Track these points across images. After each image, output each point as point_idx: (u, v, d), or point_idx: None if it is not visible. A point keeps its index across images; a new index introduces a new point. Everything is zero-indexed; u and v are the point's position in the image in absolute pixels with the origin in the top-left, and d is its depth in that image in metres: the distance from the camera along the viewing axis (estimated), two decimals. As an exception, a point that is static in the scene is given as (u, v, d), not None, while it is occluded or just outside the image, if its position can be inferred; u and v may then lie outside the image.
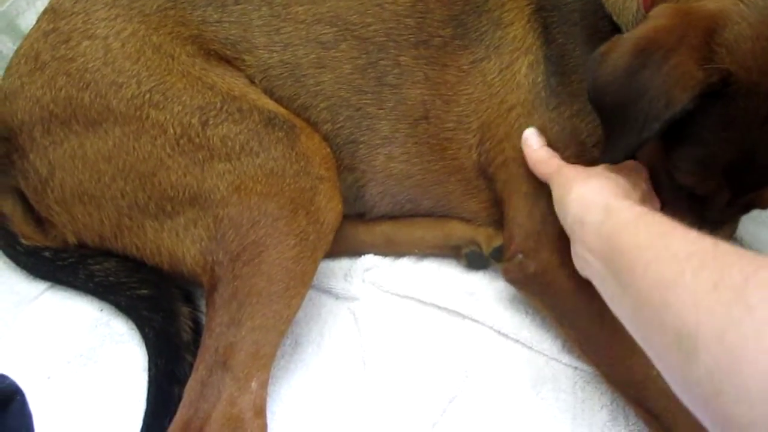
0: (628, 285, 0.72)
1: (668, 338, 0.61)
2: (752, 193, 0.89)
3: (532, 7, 1.07)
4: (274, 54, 1.09)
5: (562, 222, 0.93)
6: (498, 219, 1.14)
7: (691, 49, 0.80)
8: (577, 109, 1.03)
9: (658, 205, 0.94)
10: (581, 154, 1.02)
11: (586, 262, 0.85)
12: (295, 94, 1.10)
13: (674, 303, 0.61)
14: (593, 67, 0.88)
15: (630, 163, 0.95)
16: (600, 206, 0.84)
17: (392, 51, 1.09)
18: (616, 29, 1.00)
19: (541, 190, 1.02)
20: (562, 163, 0.98)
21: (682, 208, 0.92)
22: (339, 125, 1.11)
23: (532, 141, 1.03)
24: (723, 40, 0.80)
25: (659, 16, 0.86)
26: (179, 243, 1.01)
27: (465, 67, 1.09)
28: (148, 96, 1.00)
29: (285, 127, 1.03)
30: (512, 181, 1.07)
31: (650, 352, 0.68)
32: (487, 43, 1.08)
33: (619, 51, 0.85)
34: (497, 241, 1.15)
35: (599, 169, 0.93)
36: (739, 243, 1.20)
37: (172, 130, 1.00)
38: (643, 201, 0.91)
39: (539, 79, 1.05)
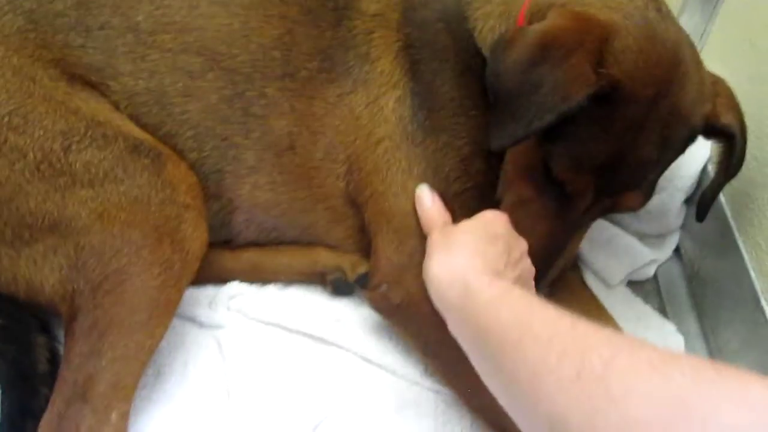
0: (497, 364, 0.75)
1: (540, 420, 0.65)
2: (614, 196, 0.96)
3: (400, 44, 1.11)
4: (140, 81, 1.08)
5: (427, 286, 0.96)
6: (364, 246, 1.17)
7: (588, 53, 0.88)
8: (442, 143, 1.07)
9: (525, 246, 0.99)
10: (444, 189, 1.06)
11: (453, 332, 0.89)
12: (161, 122, 1.09)
13: (543, 389, 0.65)
14: (497, 54, 0.94)
15: (488, 213, 0.99)
16: (459, 285, 0.87)
17: (258, 82, 1.11)
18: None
19: (411, 226, 1.06)
20: (439, 227, 1.01)
21: (549, 205, 0.98)
22: (205, 154, 1.12)
23: (424, 199, 1.05)
24: (613, 49, 0.89)
25: (560, 16, 0.94)
26: (37, 271, 0.98)
27: (332, 99, 1.12)
28: (6, 119, 0.98)
29: (151, 154, 1.03)
30: (381, 214, 1.10)
31: (522, 426, 0.71)
32: (355, 76, 1.11)
33: (523, 42, 0.91)
34: (362, 268, 1.18)
35: (461, 234, 0.96)
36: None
37: (32, 155, 0.97)
38: (510, 256, 0.95)
39: (406, 114, 1.09)
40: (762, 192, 1.17)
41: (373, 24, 1.13)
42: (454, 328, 0.89)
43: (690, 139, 0.98)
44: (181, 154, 1.10)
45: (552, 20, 0.94)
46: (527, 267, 0.98)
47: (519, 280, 0.94)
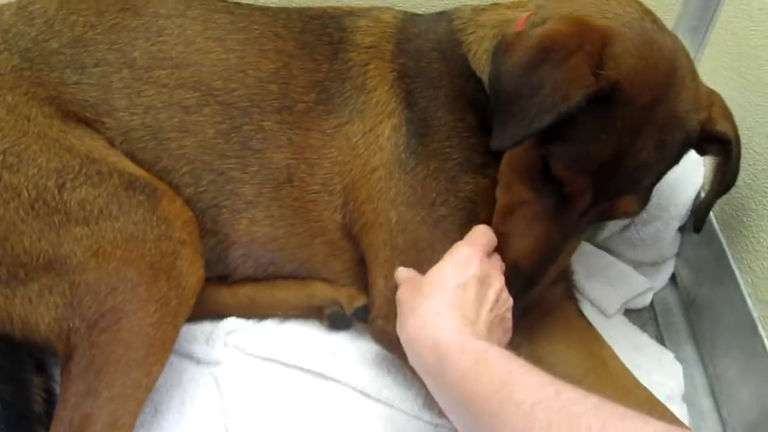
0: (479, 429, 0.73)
1: None
2: (611, 200, 0.97)
3: (395, 74, 1.13)
4: (135, 117, 1.09)
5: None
6: (362, 279, 1.17)
7: (587, 55, 0.89)
8: (433, 168, 1.08)
9: (501, 281, 0.96)
10: (428, 215, 1.07)
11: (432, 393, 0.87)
12: (156, 158, 1.10)
13: None
14: (498, 56, 0.94)
15: (460, 251, 0.96)
16: (431, 349, 0.82)
17: (256, 116, 1.12)
18: (482, 88, 1.09)
19: (400, 256, 1.06)
20: (405, 280, 0.98)
21: (546, 206, 0.98)
22: (202, 189, 1.12)
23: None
24: (612, 53, 0.90)
25: (560, 21, 0.96)
26: (32, 310, 0.98)
27: (329, 131, 1.13)
28: (1, 158, 0.98)
29: (146, 190, 1.03)
30: (373, 245, 1.11)
31: None
32: (351, 107, 1.13)
33: (524, 45, 0.92)
34: (359, 302, 1.18)
35: (427, 287, 0.92)
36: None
37: (26, 194, 0.97)
38: (484, 300, 0.91)
39: (401, 142, 1.10)
40: (755, 219, 1.18)
41: (368, 56, 1.15)
42: (433, 391, 0.85)
43: (686, 146, 0.99)
44: (177, 189, 1.11)
45: (552, 25, 0.95)
46: (504, 304, 0.95)
47: (495, 321, 0.92)
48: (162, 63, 1.10)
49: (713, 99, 1.02)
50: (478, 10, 1.16)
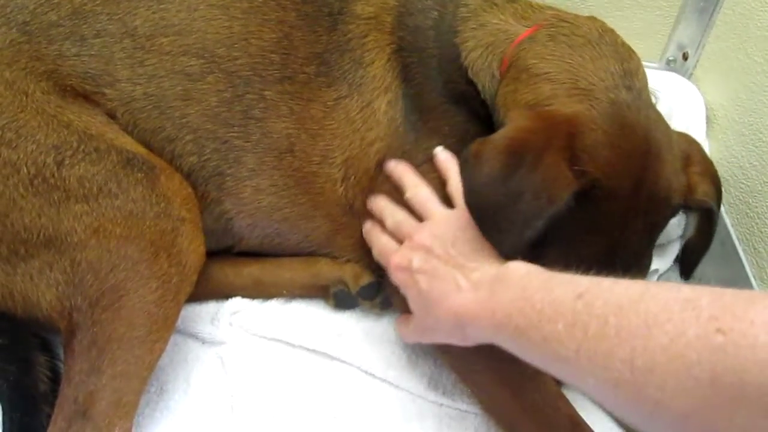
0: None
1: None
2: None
3: (393, 47, 1.13)
4: (138, 87, 1.09)
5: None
6: (365, 254, 1.17)
7: (559, 151, 0.87)
8: (435, 144, 1.10)
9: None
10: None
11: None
12: (159, 127, 1.10)
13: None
14: (466, 170, 0.92)
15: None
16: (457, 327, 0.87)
17: (257, 85, 1.12)
18: (470, 84, 1.09)
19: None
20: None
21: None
22: (205, 157, 1.13)
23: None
24: (583, 145, 0.89)
25: (520, 118, 0.94)
26: (34, 287, 0.99)
27: (329, 103, 1.14)
28: None
29: (144, 167, 1.03)
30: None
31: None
32: (350, 80, 1.13)
33: (491, 153, 0.89)
34: (365, 280, 1.19)
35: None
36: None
37: (25, 170, 0.98)
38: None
39: (398, 116, 1.11)
40: (761, 200, 1.20)
41: (367, 27, 1.15)
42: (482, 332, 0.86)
43: (672, 215, 0.99)
44: (180, 158, 1.11)
45: (515, 124, 0.93)
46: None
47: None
48: (164, 30, 1.10)
49: (690, 155, 1.01)
50: (487, 5, 1.13)
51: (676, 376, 0.58)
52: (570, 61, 0.99)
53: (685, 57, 1.51)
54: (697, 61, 1.45)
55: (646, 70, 1.02)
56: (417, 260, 0.96)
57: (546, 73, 0.99)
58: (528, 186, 0.85)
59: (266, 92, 1.12)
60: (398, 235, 1.05)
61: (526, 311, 0.76)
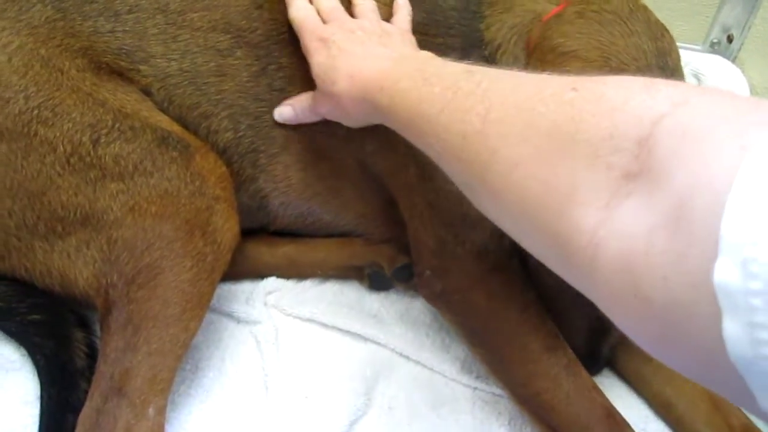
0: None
1: None
2: None
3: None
4: (173, 62, 1.10)
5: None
6: (397, 232, 1.16)
7: None
8: None
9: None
10: None
11: None
12: (195, 103, 1.11)
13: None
14: None
15: None
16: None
17: (275, 54, 1.12)
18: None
19: (440, 202, 1.05)
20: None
21: None
22: (240, 134, 1.13)
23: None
24: None
25: None
26: (71, 265, 1.00)
27: None
28: (36, 112, 1.00)
29: (179, 146, 1.04)
30: (404, 191, 1.11)
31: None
32: None
33: None
34: (399, 261, 1.19)
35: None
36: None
37: (62, 148, 0.99)
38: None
39: None
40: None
41: None
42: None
43: None
44: (216, 134, 1.12)
45: None
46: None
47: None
48: (193, 5, 1.11)
49: None
50: None
51: (520, 125, 0.61)
52: (600, 39, 0.97)
53: (729, 39, 1.48)
54: (742, 43, 1.42)
55: (689, 53, 1.00)
56: (338, 36, 0.99)
57: (574, 50, 0.97)
58: None
59: (282, 60, 1.12)
60: (326, 17, 1.05)
61: (414, 77, 0.79)
